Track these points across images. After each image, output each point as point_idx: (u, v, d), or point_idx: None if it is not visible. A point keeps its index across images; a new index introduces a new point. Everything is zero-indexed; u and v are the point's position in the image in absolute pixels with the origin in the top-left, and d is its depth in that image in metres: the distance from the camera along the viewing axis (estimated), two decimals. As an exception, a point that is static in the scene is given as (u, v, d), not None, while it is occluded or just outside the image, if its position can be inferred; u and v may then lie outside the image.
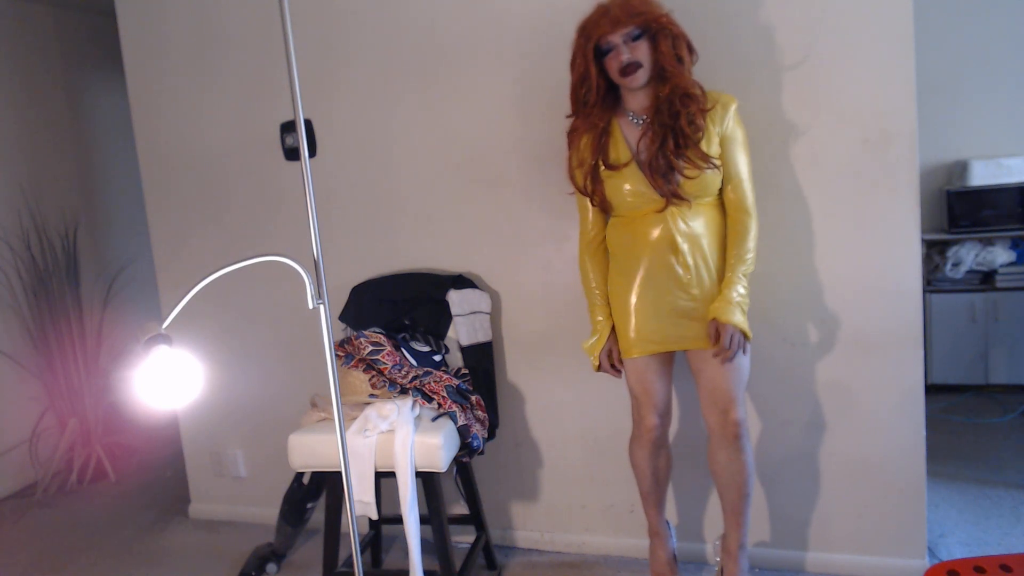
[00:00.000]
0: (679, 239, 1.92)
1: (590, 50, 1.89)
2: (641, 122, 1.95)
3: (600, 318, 2.09)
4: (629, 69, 1.86)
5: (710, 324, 1.93)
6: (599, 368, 2.09)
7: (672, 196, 1.90)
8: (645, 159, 1.92)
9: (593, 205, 2.05)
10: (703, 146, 1.88)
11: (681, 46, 1.88)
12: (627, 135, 1.96)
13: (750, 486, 2.03)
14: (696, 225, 1.94)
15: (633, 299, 2.01)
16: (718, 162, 1.91)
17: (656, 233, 1.95)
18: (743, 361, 1.98)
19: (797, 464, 2.32)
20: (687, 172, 1.88)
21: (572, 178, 2.05)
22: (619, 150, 1.96)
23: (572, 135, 2.03)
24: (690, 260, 1.93)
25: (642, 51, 1.86)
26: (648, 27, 1.86)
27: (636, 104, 1.96)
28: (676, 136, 1.87)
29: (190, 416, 3.08)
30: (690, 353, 2.04)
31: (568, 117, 2.05)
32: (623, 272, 2.03)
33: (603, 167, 1.97)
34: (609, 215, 2.08)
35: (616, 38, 1.85)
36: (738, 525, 2.06)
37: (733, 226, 1.97)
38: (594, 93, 1.93)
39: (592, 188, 2.00)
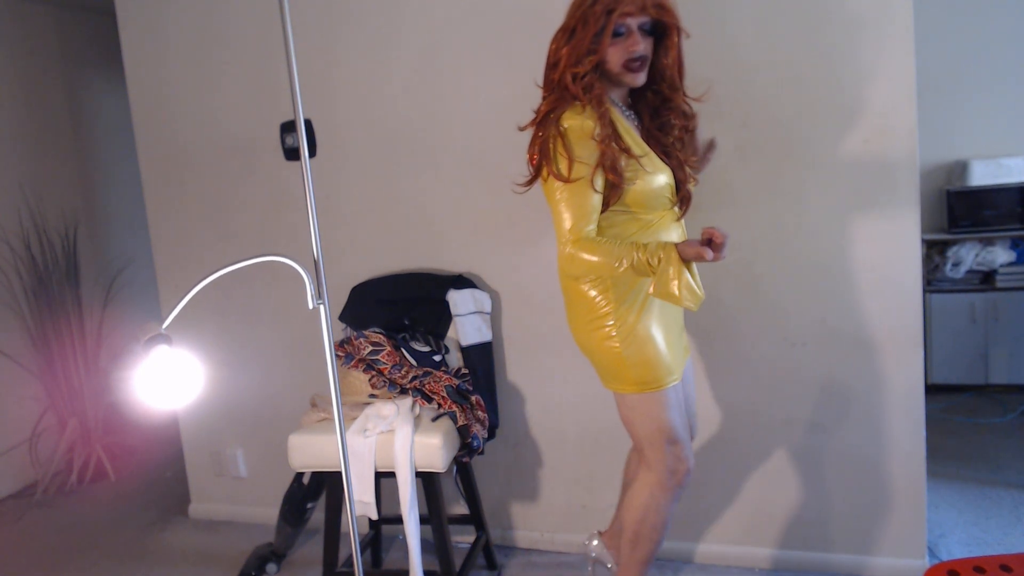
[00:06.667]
0: None
1: (610, 25, 1.61)
2: (632, 117, 1.79)
3: (653, 246, 1.58)
4: (639, 63, 1.67)
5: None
6: (692, 293, 1.53)
7: (687, 203, 1.82)
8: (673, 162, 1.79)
9: (619, 187, 1.67)
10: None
11: (682, 63, 1.75)
12: (631, 127, 1.78)
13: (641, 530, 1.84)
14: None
15: (654, 316, 1.76)
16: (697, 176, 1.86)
17: (675, 237, 1.77)
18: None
19: (797, 464, 2.32)
20: (691, 183, 1.83)
21: (603, 162, 1.65)
22: (635, 139, 1.73)
23: (573, 116, 1.67)
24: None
25: (649, 47, 1.69)
26: (665, 27, 1.68)
27: (616, 92, 1.77)
28: (678, 153, 1.80)
29: (190, 416, 3.08)
30: None
31: (545, 99, 1.75)
32: (635, 284, 1.74)
33: (632, 154, 1.68)
34: (606, 209, 1.73)
35: (634, 22, 1.63)
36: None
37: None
38: (592, 76, 1.66)
39: (616, 174, 1.66)
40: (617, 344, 1.73)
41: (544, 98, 1.76)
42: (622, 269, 1.60)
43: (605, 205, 1.70)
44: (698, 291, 1.55)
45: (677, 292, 1.53)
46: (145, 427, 3.92)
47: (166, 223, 2.98)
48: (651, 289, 1.59)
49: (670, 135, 1.79)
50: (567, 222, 1.66)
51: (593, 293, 1.75)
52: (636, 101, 1.82)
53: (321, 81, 2.62)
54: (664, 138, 1.79)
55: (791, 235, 2.23)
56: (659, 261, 1.55)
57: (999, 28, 3.75)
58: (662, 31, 1.70)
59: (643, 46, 1.66)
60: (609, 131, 1.65)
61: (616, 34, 1.64)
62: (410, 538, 2.09)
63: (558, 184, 1.67)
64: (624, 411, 1.82)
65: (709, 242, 1.51)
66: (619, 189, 1.67)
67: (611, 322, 1.73)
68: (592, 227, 1.67)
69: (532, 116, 1.77)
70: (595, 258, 1.63)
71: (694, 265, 1.55)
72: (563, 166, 1.65)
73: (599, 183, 1.66)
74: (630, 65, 1.67)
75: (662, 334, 1.76)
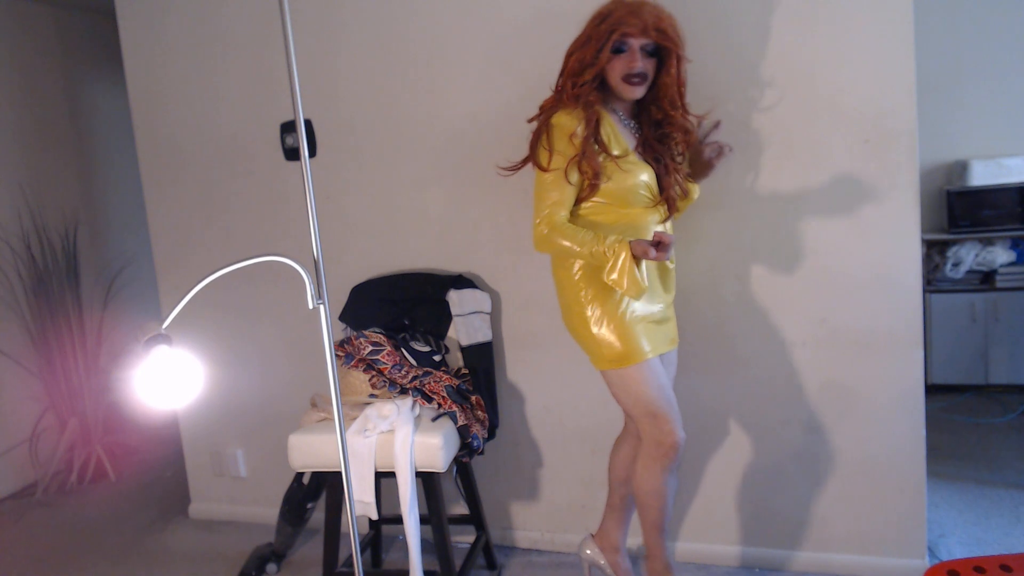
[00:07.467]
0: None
1: (609, 42, 1.81)
2: (631, 126, 1.96)
3: (611, 240, 1.79)
4: (638, 79, 1.85)
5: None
6: (634, 274, 1.75)
7: (671, 206, 1.97)
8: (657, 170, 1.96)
9: (588, 181, 1.86)
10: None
11: (683, 84, 1.91)
12: (623, 134, 1.93)
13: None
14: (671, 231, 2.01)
15: (627, 299, 1.90)
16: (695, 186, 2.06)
17: (654, 231, 1.91)
18: None
19: (797, 464, 2.32)
20: (680, 202, 2.00)
21: (574, 153, 1.83)
22: (620, 143, 1.90)
23: (564, 116, 1.85)
24: (674, 263, 2.01)
25: (650, 67, 1.87)
26: (667, 50, 1.85)
27: (619, 103, 1.96)
28: (669, 161, 1.95)
29: (190, 416, 3.08)
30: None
31: (554, 94, 1.93)
32: None
33: (610, 153, 1.85)
34: (585, 200, 1.91)
35: (636, 42, 1.82)
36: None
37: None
38: (590, 83, 1.85)
39: (587, 165, 1.84)
40: (592, 323, 1.92)
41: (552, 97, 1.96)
42: (583, 253, 1.83)
43: (583, 197, 1.90)
44: (641, 283, 1.78)
45: (623, 282, 1.77)
46: (145, 427, 3.93)
47: (166, 223, 2.98)
48: (604, 275, 1.81)
49: (670, 147, 1.96)
50: (544, 206, 1.88)
51: (576, 277, 1.94)
52: (640, 112, 1.99)
53: (321, 81, 2.62)
54: (661, 148, 1.95)
55: (791, 235, 2.23)
56: (612, 253, 1.77)
57: (999, 28, 3.75)
58: (665, 53, 1.87)
59: (642, 65, 1.84)
60: (590, 133, 1.83)
61: (617, 51, 1.83)
62: (410, 538, 2.09)
63: (541, 172, 1.89)
64: (610, 388, 1.98)
65: (658, 244, 1.76)
66: (595, 185, 1.87)
67: (589, 305, 1.92)
68: (564, 214, 1.88)
69: (537, 112, 1.98)
70: (564, 242, 1.85)
71: (643, 261, 1.79)
72: (543, 158, 1.87)
73: (573, 177, 1.85)
74: (628, 80, 1.85)
75: (635, 315, 1.91)
